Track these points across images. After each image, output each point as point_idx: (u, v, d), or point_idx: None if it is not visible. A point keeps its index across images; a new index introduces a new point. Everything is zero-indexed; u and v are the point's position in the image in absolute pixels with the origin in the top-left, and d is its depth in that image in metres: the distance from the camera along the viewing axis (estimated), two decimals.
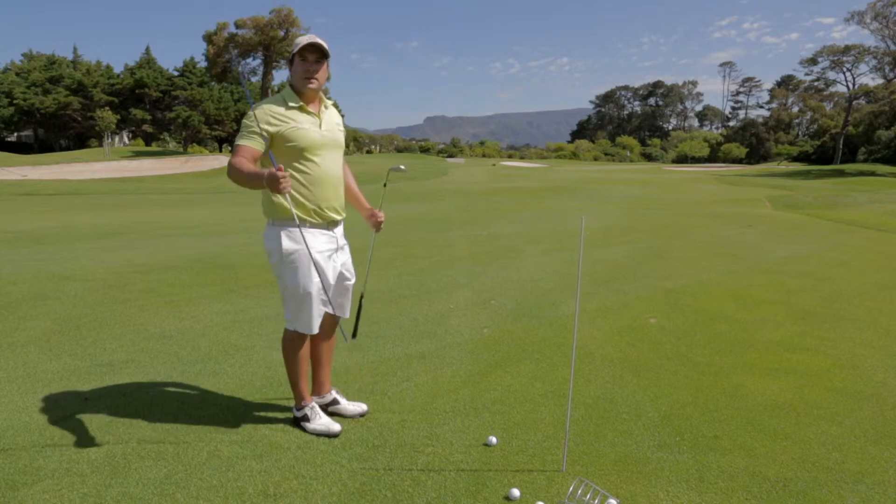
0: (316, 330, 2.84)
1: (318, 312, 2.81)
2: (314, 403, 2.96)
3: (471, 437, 2.86)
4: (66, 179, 26.69)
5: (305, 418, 2.90)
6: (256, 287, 5.93)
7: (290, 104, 2.71)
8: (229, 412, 3.09)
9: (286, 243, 2.70)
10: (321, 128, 2.77)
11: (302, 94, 2.74)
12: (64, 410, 3.07)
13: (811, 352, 4.19)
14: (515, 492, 2.36)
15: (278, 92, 2.83)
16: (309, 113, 2.75)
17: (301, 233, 2.68)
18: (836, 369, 3.85)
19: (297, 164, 2.70)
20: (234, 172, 2.58)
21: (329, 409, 3.09)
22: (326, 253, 2.79)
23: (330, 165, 2.79)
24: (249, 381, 3.52)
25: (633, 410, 3.19)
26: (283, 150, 2.68)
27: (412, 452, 2.71)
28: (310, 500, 2.33)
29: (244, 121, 2.66)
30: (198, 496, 2.34)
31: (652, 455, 2.71)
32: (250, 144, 2.62)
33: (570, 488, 2.38)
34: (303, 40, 2.67)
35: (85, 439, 2.76)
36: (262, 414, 3.09)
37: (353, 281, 3.01)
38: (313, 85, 2.71)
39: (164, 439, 2.78)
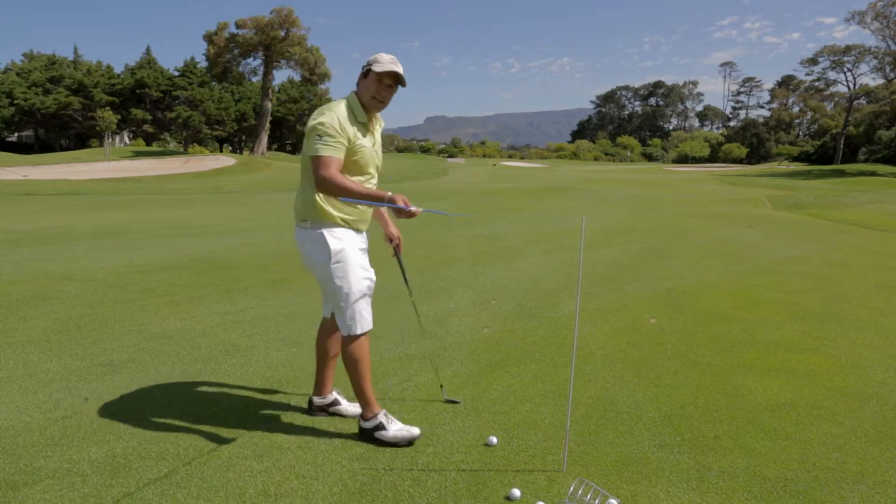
0: (372, 325, 2.81)
1: (371, 307, 2.82)
2: (385, 411, 2.85)
3: (471, 437, 2.86)
4: (67, 179, 26.69)
5: (381, 427, 2.77)
6: (257, 287, 5.94)
7: (359, 119, 2.69)
8: (230, 412, 3.09)
9: (333, 243, 2.68)
10: (374, 146, 2.79)
11: (367, 110, 2.73)
12: (64, 410, 3.07)
13: (812, 352, 4.19)
14: (516, 492, 2.36)
15: (342, 100, 2.73)
16: (369, 130, 2.77)
17: (343, 231, 2.72)
18: (836, 369, 3.85)
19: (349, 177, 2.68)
20: (339, 189, 2.49)
21: (330, 409, 3.08)
22: (363, 251, 2.85)
23: (374, 182, 2.83)
24: (250, 381, 3.52)
25: (634, 410, 3.18)
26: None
27: (412, 452, 2.71)
28: (310, 500, 2.33)
29: (323, 128, 2.57)
30: (198, 496, 2.34)
31: (652, 455, 2.71)
32: (338, 156, 2.57)
33: (571, 488, 2.38)
34: (386, 62, 2.65)
35: (85, 439, 2.76)
36: (263, 414, 3.09)
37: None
38: (381, 108, 2.74)
39: (164, 439, 2.78)
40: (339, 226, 2.72)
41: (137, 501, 2.30)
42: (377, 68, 2.65)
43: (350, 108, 2.69)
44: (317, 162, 2.54)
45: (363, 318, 2.75)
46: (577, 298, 2.59)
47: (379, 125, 2.88)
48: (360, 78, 2.75)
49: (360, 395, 2.82)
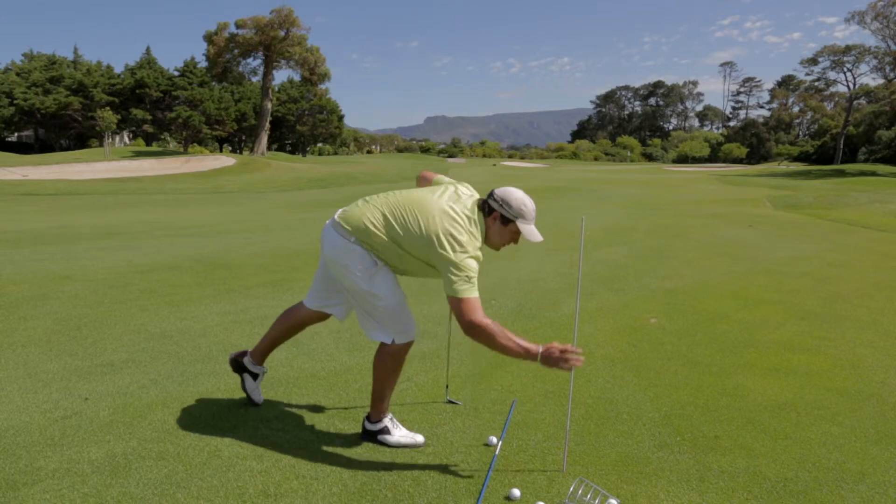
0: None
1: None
2: (392, 415, 2.84)
3: (471, 437, 2.86)
4: (67, 179, 26.68)
5: (385, 431, 2.77)
6: (257, 287, 5.93)
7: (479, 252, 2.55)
8: (230, 412, 3.09)
9: (380, 259, 2.64)
10: None
11: (484, 245, 2.62)
12: (64, 410, 3.07)
13: (812, 352, 4.19)
14: (516, 492, 2.36)
15: (473, 220, 2.55)
16: None
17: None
18: (836, 369, 3.85)
19: (418, 266, 2.62)
20: (492, 340, 2.39)
21: (245, 373, 3.13)
22: None
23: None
24: None
25: (634, 410, 3.18)
26: (430, 260, 2.54)
27: (412, 452, 2.71)
28: (310, 500, 2.33)
29: (472, 263, 2.44)
30: (198, 496, 2.34)
31: (652, 455, 2.71)
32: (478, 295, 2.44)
33: (571, 488, 2.38)
34: (531, 217, 2.56)
35: (85, 439, 2.76)
36: (263, 414, 3.08)
37: None
38: (498, 250, 2.67)
39: (164, 439, 2.78)
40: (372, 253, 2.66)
41: (137, 501, 2.30)
42: (526, 232, 2.55)
43: (477, 243, 2.54)
44: (467, 306, 2.41)
45: (409, 328, 2.71)
46: (577, 298, 2.59)
47: None
48: (495, 218, 2.58)
49: (377, 399, 2.78)
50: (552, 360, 2.37)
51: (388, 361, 2.70)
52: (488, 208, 2.59)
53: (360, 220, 2.61)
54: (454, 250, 2.44)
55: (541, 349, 2.37)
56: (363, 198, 2.74)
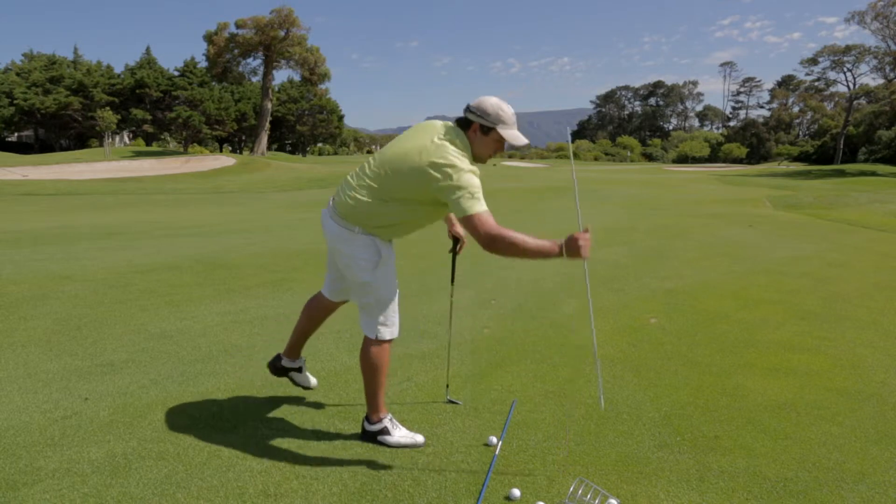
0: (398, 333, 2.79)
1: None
2: (391, 415, 2.85)
3: (471, 437, 2.86)
4: (67, 179, 26.68)
5: (385, 431, 2.77)
6: (257, 287, 5.93)
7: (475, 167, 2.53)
8: (230, 412, 3.09)
9: (383, 248, 2.65)
10: None
11: (473, 160, 2.57)
12: (64, 410, 3.07)
13: (812, 352, 4.19)
14: (516, 492, 2.36)
15: (455, 142, 2.51)
16: None
17: (388, 244, 2.70)
18: (836, 369, 3.85)
19: (421, 211, 2.61)
20: (514, 247, 2.35)
21: (291, 373, 3.20)
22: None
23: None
24: (250, 381, 3.52)
25: (634, 410, 3.18)
26: (433, 199, 2.50)
27: (412, 452, 2.71)
28: (310, 500, 2.33)
29: (471, 178, 2.40)
30: (198, 496, 2.34)
31: (652, 455, 2.71)
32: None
33: (571, 488, 2.38)
34: (511, 122, 2.53)
35: (85, 439, 2.76)
36: (263, 414, 3.09)
37: None
38: (484, 162, 2.63)
39: (164, 439, 2.78)
40: (385, 240, 2.69)
41: (137, 501, 2.30)
42: (508, 137, 2.52)
43: (466, 157, 2.51)
44: (479, 220, 2.36)
45: (395, 324, 2.74)
46: (578, 214, 2.58)
47: None
48: (475, 130, 2.55)
49: (371, 399, 2.79)
50: (575, 248, 2.31)
51: (370, 357, 2.73)
52: (466, 122, 2.57)
53: (353, 201, 2.60)
54: (450, 175, 2.40)
55: (562, 241, 2.34)
56: (345, 178, 2.75)
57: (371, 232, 2.63)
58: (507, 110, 2.54)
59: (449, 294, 3.38)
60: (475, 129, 2.56)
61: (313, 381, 3.32)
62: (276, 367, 3.20)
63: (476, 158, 2.60)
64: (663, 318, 5.01)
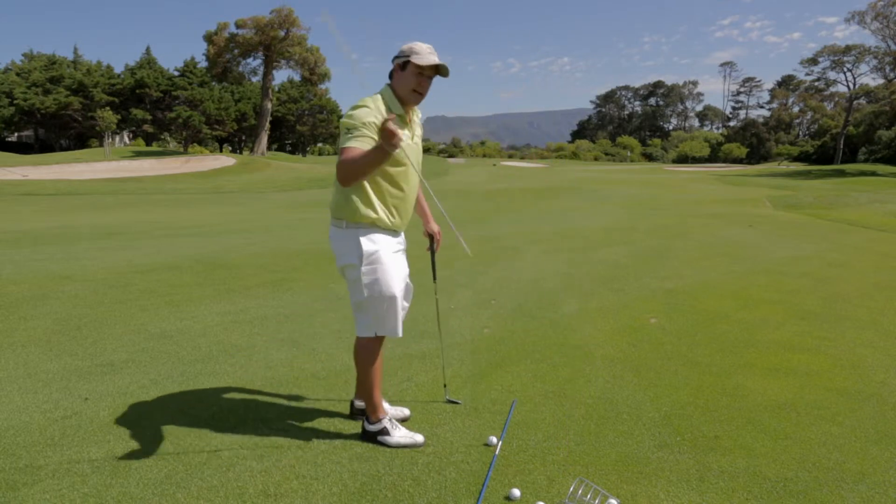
0: (401, 332, 2.74)
1: (402, 314, 2.75)
2: (390, 415, 2.84)
3: (471, 437, 2.86)
4: (67, 179, 26.68)
5: (385, 431, 2.76)
6: (257, 287, 5.93)
7: (395, 111, 2.58)
8: (229, 412, 3.09)
9: (366, 245, 2.61)
10: (412, 140, 2.70)
11: (404, 103, 2.63)
12: (64, 410, 3.07)
13: (812, 352, 4.18)
14: (516, 492, 2.36)
15: (375, 97, 2.58)
16: (406, 123, 2.66)
17: (379, 235, 2.65)
18: (836, 369, 3.85)
19: (385, 172, 2.59)
20: (349, 169, 2.40)
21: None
22: (399, 253, 2.77)
23: (413, 177, 2.72)
24: (249, 381, 3.52)
25: (634, 410, 3.18)
26: None
27: (412, 452, 2.71)
28: (310, 500, 2.33)
29: (351, 121, 2.48)
30: (198, 496, 2.34)
31: (652, 455, 2.71)
32: (361, 146, 2.42)
33: (571, 488, 2.38)
34: (425, 52, 2.54)
35: (85, 439, 2.76)
36: (263, 414, 3.08)
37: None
38: (420, 100, 2.64)
39: (164, 439, 2.78)
40: (374, 228, 2.64)
41: (137, 501, 2.30)
42: (418, 60, 2.52)
43: (385, 101, 2.58)
44: (340, 154, 2.44)
45: (388, 323, 2.70)
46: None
47: (417, 117, 2.76)
48: (395, 70, 2.62)
49: (367, 398, 2.80)
50: (387, 136, 2.25)
51: (359, 351, 2.75)
52: (390, 72, 2.64)
53: (332, 197, 2.68)
54: (343, 123, 2.50)
55: (379, 134, 2.32)
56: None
57: (355, 221, 2.61)
58: (420, 45, 2.58)
59: (433, 293, 3.38)
60: (396, 71, 2.62)
61: (394, 411, 3.05)
62: (352, 414, 3.05)
63: (403, 100, 2.62)
64: (663, 318, 5.01)
